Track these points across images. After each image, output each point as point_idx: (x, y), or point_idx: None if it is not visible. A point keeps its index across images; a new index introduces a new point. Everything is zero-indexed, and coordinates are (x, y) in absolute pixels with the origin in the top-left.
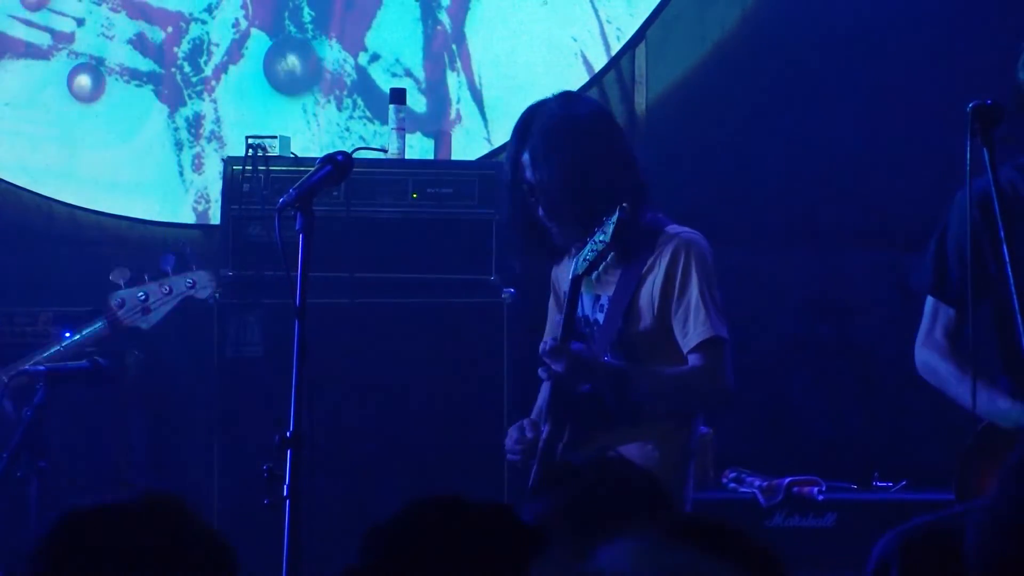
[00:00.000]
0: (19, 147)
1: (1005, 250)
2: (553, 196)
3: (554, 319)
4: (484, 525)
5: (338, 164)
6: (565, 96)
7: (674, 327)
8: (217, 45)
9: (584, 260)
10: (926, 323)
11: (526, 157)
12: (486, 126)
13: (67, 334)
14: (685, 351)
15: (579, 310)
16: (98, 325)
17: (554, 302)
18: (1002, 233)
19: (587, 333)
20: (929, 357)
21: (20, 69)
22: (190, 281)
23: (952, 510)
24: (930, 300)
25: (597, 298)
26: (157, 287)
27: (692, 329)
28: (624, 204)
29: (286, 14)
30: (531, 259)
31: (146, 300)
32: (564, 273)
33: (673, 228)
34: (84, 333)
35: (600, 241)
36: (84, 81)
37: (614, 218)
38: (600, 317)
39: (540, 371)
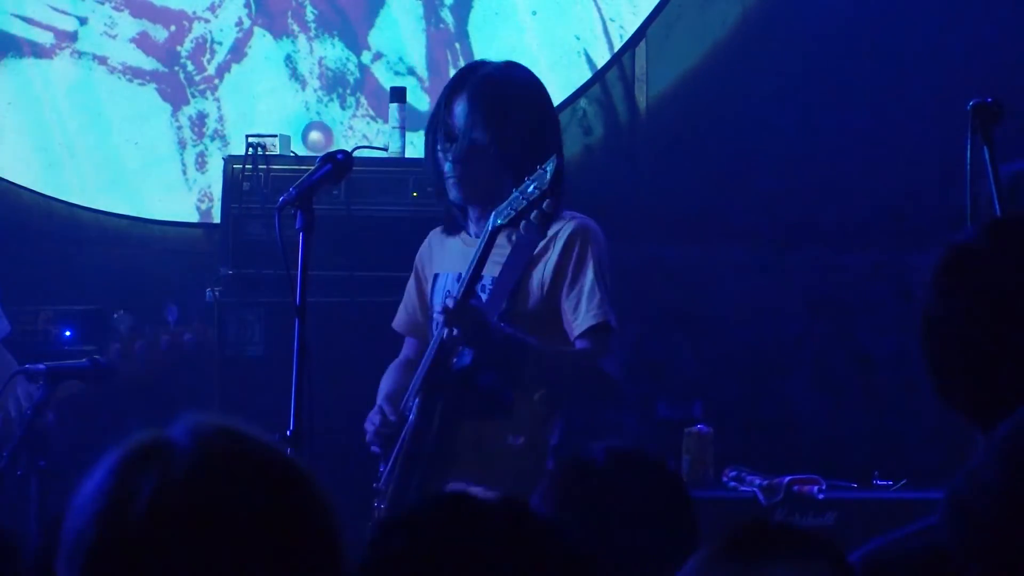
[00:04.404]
0: (20, 146)
1: None
2: (466, 145)
3: (411, 298)
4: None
5: (338, 163)
6: (509, 62)
7: (564, 311)
8: (220, 44)
9: (511, 209)
10: None
11: (458, 104)
12: None
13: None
14: (574, 336)
15: (443, 287)
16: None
17: (414, 281)
18: None
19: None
20: None
21: (23, 68)
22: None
23: (928, 522)
24: None
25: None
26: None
27: (584, 313)
28: (556, 154)
29: (289, 13)
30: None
31: None
32: (436, 252)
33: (568, 212)
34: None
35: (535, 189)
36: (316, 136)
37: (551, 165)
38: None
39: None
